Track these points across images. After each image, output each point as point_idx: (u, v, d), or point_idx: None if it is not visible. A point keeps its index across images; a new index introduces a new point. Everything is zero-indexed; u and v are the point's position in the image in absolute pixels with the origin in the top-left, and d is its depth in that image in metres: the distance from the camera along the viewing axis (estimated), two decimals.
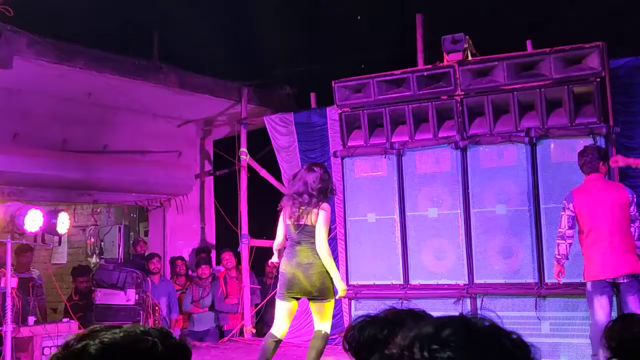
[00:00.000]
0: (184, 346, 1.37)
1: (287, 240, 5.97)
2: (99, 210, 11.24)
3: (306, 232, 5.79)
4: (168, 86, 9.25)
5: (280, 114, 9.48)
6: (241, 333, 9.30)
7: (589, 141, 6.91)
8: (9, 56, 7.32)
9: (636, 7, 7.69)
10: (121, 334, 1.32)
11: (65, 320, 7.62)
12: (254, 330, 9.37)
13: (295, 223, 5.83)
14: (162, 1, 8.15)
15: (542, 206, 7.09)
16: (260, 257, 9.66)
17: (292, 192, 5.89)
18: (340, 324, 8.54)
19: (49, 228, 6.91)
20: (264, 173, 9.67)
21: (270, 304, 9.66)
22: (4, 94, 8.27)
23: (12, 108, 8.43)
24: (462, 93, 7.48)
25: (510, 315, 7.01)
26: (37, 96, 8.58)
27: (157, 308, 8.63)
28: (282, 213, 6.04)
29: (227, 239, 10.34)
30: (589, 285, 5.95)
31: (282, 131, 9.32)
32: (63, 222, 7.01)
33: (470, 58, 7.52)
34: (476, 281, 7.37)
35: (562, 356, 6.82)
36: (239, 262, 9.64)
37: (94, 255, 10.97)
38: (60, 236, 7.25)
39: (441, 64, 7.60)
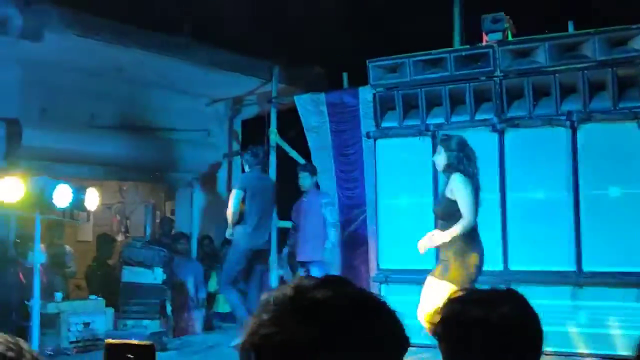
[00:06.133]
0: None
1: None
2: (125, 188, 11.15)
3: None
4: (197, 63, 9.08)
5: (311, 94, 9.29)
6: None
7: (633, 125, 6.70)
8: (39, 29, 7.20)
9: None
10: None
11: (92, 297, 7.57)
12: None
13: None
14: None
15: (582, 193, 6.87)
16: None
17: None
18: None
19: (78, 204, 6.81)
20: (293, 154, 9.52)
21: None
22: (33, 68, 8.17)
23: (41, 83, 8.33)
24: (502, 74, 7.26)
25: (545, 303, 6.83)
26: (65, 71, 8.47)
27: (183, 288, 8.56)
28: None
29: None
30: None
31: (312, 111, 9.15)
32: (92, 199, 6.91)
33: (510, 38, 7.29)
34: (511, 268, 7.17)
35: (600, 347, 6.63)
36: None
37: (120, 233, 10.94)
38: (88, 212, 7.16)
39: (481, 44, 7.38)
